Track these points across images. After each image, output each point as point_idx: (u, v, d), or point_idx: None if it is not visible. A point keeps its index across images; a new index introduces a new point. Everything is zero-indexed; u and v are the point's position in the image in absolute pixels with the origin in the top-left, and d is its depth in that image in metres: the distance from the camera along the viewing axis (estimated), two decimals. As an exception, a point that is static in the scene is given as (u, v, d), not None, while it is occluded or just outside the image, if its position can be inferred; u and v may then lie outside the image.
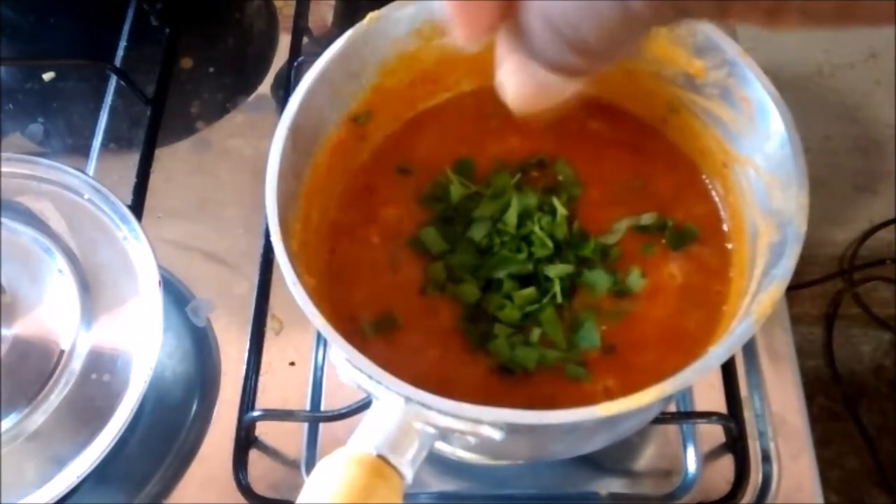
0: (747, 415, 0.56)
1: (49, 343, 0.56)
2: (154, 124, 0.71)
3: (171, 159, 0.70)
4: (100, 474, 0.53)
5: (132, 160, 0.69)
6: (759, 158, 0.48)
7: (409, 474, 0.40)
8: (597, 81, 0.54)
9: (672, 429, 0.57)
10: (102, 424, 0.53)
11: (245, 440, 0.57)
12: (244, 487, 0.55)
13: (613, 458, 0.56)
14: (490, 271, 0.50)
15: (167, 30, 0.76)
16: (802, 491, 0.55)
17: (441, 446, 0.48)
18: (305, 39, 0.73)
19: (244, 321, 0.61)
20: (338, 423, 0.56)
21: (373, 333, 0.49)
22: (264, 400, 0.58)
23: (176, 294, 0.62)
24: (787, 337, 0.60)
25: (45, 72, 0.76)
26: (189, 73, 0.75)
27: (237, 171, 0.69)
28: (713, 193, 0.53)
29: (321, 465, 0.40)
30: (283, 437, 0.58)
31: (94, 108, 0.73)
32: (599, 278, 0.50)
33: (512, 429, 0.40)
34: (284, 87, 0.71)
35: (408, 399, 0.40)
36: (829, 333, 1.41)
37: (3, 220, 0.60)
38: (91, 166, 0.70)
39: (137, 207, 0.65)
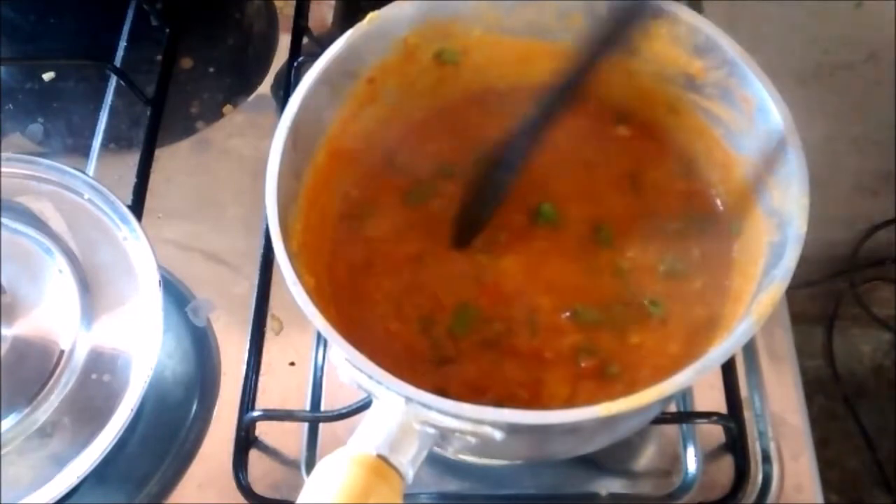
0: (747, 415, 0.56)
1: (49, 343, 0.56)
2: (154, 124, 0.71)
3: (171, 159, 0.70)
4: (100, 474, 0.53)
5: (132, 160, 0.69)
6: (759, 158, 0.48)
7: (409, 474, 0.40)
8: (597, 82, 0.54)
9: (672, 429, 0.57)
10: (102, 424, 0.53)
11: (245, 440, 0.57)
12: (244, 487, 0.55)
13: (613, 458, 0.56)
14: None
15: (167, 30, 0.76)
16: (802, 491, 0.55)
17: (441, 446, 0.48)
18: (305, 39, 0.73)
19: (244, 321, 0.60)
20: (338, 423, 0.56)
21: None
22: (264, 400, 0.58)
23: (176, 294, 0.62)
24: (787, 337, 0.60)
25: (45, 72, 0.76)
26: (189, 73, 0.75)
27: (237, 171, 0.69)
28: (713, 193, 0.53)
29: (321, 466, 0.40)
30: (283, 437, 0.58)
31: (94, 108, 0.73)
32: None
33: (512, 429, 0.40)
34: (284, 87, 0.71)
35: (408, 399, 0.40)
36: (829, 333, 1.41)
37: (3, 220, 0.60)
38: (91, 166, 0.70)
39: (137, 207, 0.65)
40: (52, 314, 0.57)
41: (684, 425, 0.57)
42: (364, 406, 0.55)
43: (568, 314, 0.50)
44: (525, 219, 0.53)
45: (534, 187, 0.53)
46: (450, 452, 0.54)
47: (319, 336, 0.61)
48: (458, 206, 0.51)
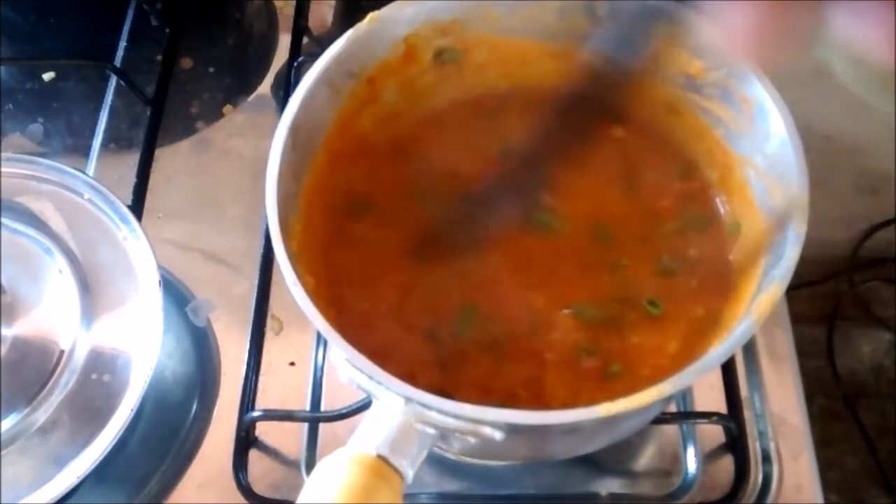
0: (747, 415, 0.56)
1: (49, 343, 0.56)
2: (154, 124, 0.71)
3: (171, 159, 0.70)
4: (100, 474, 0.53)
5: (132, 160, 0.69)
6: (759, 158, 0.48)
7: (409, 474, 0.40)
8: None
9: (672, 429, 0.57)
10: (102, 424, 0.53)
11: (245, 440, 0.57)
12: (244, 487, 0.55)
13: (613, 458, 0.56)
14: None
15: (167, 30, 0.76)
16: (802, 491, 0.55)
17: (441, 446, 0.48)
18: (305, 39, 0.73)
19: (244, 321, 0.61)
20: (338, 423, 0.56)
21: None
22: (264, 400, 0.58)
23: (176, 294, 0.62)
24: (787, 337, 0.60)
25: (45, 72, 0.76)
26: (189, 73, 0.75)
27: (237, 171, 0.69)
28: (713, 193, 0.53)
29: (321, 466, 0.40)
30: (283, 437, 0.58)
31: (94, 108, 0.73)
32: None
33: (512, 429, 0.40)
34: (284, 87, 0.71)
35: (408, 399, 0.40)
36: (830, 333, 1.40)
37: (3, 220, 0.60)
38: (91, 166, 0.70)
39: (137, 207, 0.65)
40: (52, 314, 0.57)
41: (684, 425, 0.57)
42: (364, 406, 0.55)
43: (567, 311, 0.50)
44: (524, 220, 0.53)
45: (533, 186, 0.54)
46: (450, 452, 0.54)
47: (319, 336, 0.61)
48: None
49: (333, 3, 0.78)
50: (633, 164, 0.54)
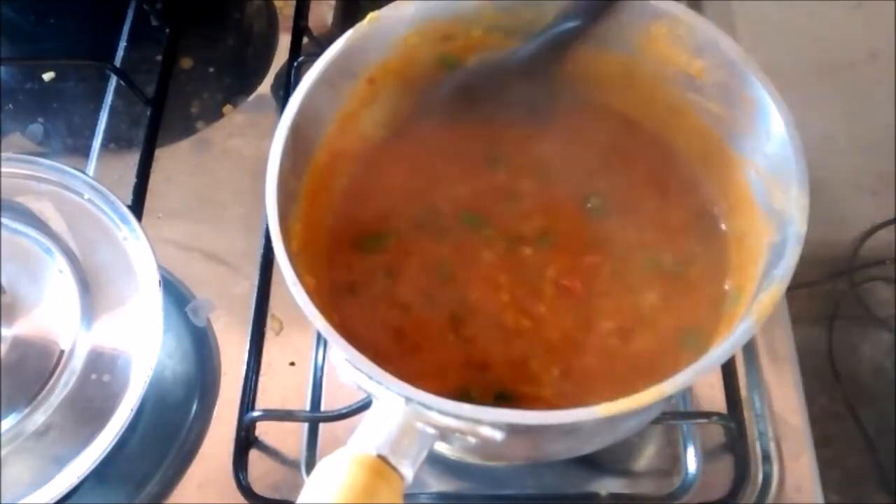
0: (747, 415, 0.56)
1: (49, 343, 0.56)
2: (154, 124, 0.71)
3: (171, 159, 0.70)
4: (100, 474, 0.53)
5: (132, 160, 0.69)
6: (759, 158, 0.48)
7: (409, 475, 0.40)
8: (596, 82, 0.54)
9: (672, 429, 0.57)
10: (102, 424, 0.53)
11: (245, 440, 0.57)
12: (244, 487, 0.55)
13: (613, 458, 0.56)
14: None
15: (167, 30, 0.76)
16: (802, 491, 0.55)
17: (441, 446, 0.48)
18: (305, 39, 0.73)
19: (244, 321, 0.61)
20: (338, 423, 0.56)
21: None
22: (264, 400, 0.58)
23: (176, 294, 0.62)
24: (787, 337, 0.60)
25: (45, 72, 0.76)
26: (189, 73, 0.75)
27: (237, 171, 0.69)
28: (713, 193, 0.53)
29: (321, 466, 0.40)
30: (283, 437, 0.58)
31: (94, 108, 0.73)
32: None
33: (512, 429, 0.40)
34: (284, 87, 0.71)
35: (408, 399, 0.40)
36: (830, 333, 1.40)
37: (3, 220, 0.60)
38: (91, 166, 0.70)
39: (137, 207, 0.65)
40: (52, 314, 0.57)
41: (684, 425, 0.57)
42: (364, 406, 0.55)
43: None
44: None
45: (534, 185, 0.54)
46: (450, 452, 0.54)
47: (319, 336, 0.61)
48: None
49: (333, 3, 0.78)
50: (633, 165, 0.54)
